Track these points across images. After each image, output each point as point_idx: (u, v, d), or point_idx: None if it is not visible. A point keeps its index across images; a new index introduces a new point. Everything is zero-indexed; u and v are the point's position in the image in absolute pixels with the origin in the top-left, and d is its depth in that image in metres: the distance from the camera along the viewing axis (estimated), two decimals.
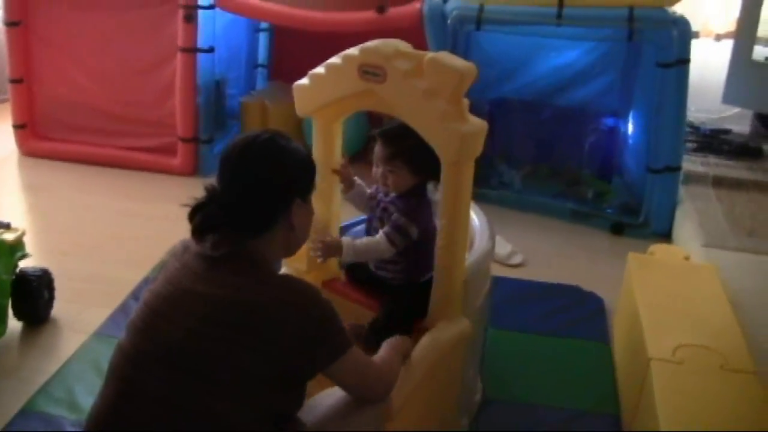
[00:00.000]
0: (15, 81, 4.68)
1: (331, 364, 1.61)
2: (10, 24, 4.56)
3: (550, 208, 4.24)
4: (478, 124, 1.96)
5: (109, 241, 3.73)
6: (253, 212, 1.67)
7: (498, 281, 3.39)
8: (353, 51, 2.05)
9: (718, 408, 2.11)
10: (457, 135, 1.89)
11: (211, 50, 4.44)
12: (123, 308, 3.06)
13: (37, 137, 4.78)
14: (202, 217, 1.66)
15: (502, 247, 3.70)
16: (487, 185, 4.30)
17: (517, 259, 3.70)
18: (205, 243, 1.65)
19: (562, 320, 3.17)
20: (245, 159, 1.68)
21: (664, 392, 2.15)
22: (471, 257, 2.25)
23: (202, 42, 4.35)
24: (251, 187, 1.67)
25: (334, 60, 2.11)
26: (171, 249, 1.76)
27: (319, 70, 2.15)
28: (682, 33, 3.72)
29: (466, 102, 1.98)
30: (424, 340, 2.06)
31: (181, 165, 4.54)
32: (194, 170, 4.58)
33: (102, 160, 4.66)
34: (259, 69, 5.51)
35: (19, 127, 4.76)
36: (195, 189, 1.69)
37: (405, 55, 2.00)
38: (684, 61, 3.77)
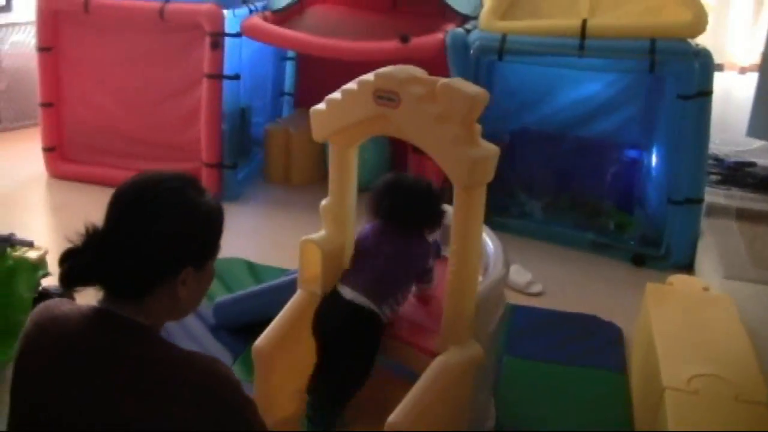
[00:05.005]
0: (45, 105, 4.77)
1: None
2: (42, 49, 4.66)
3: (570, 238, 4.23)
4: (489, 149, 1.98)
5: None
6: (129, 273, 1.37)
7: (516, 310, 3.40)
8: (368, 76, 2.08)
9: None
10: (468, 159, 1.91)
11: (236, 77, 4.49)
12: None
13: (64, 160, 4.87)
14: (71, 264, 1.37)
15: (522, 276, 3.70)
16: (508, 215, 4.29)
17: (536, 289, 3.70)
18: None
19: (579, 349, 3.16)
20: (140, 202, 1.38)
21: (677, 422, 2.14)
22: (483, 282, 2.25)
23: (227, 69, 4.41)
24: (137, 240, 1.37)
25: (350, 85, 2.14)
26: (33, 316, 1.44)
27: (336, 95, 2.18)
28: (703, 65, 3.72)
29: (478, 127, 2.00)
30: (435, 364, 2.07)
31: None
32: (218, 195, 4.60)
33: None
34: (286, 97, 5.56)
35: (48, 150, 4.85)
36: None
37: (419, 80, 2.03)
38: (706, 93, 3.76)
